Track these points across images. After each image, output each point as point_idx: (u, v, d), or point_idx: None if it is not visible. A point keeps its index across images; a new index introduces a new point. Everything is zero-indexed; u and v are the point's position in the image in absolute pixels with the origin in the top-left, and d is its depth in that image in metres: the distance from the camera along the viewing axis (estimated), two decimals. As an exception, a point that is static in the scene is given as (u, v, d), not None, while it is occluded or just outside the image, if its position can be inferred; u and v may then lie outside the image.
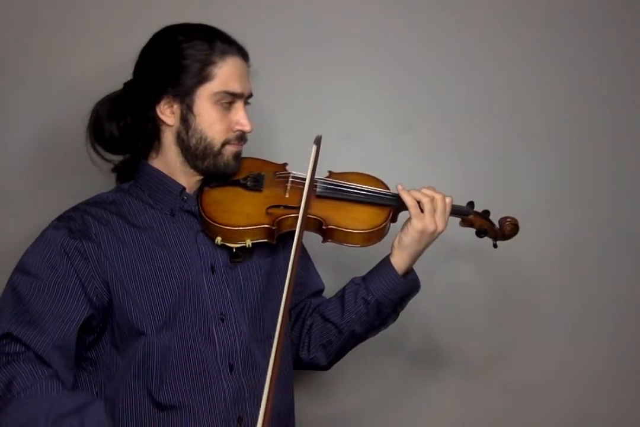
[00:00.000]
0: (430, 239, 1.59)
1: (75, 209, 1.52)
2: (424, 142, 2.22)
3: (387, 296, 1.61)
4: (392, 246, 1.62)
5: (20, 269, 1.42)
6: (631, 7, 2.27)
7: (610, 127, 2.28)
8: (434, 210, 1.57)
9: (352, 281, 1.67)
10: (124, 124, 1.58)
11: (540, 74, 2.24)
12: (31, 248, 1.46)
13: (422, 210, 1.57)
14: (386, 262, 1.62)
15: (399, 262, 1.61)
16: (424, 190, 1.59)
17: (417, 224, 1.56)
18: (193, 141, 1.52)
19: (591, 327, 2.28)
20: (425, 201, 1.56)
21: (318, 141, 1.66)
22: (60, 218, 1.50)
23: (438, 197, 1.58)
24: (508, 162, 2.25)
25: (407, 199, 1.57)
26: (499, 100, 2.24)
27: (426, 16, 2.21)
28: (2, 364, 1.28)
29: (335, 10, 2.17)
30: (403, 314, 1.71)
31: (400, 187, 1.60)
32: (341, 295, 1.67)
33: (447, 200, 1.59)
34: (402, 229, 1.61)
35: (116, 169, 1.64)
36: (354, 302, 1.63)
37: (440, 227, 1.57)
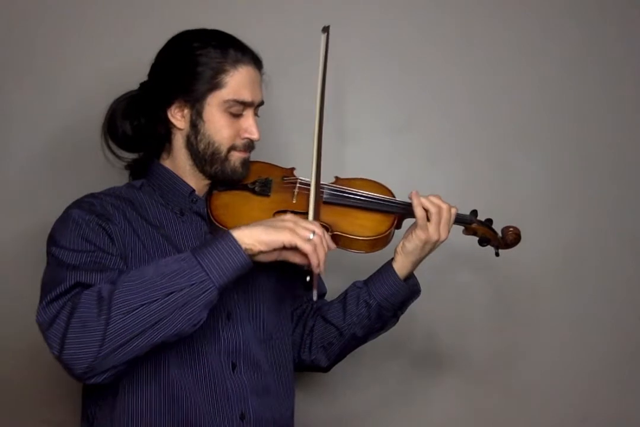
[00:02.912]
0: (432, 247, 1.62)
1: (92, 196, 1.54)
2: (424, 143, 2.24)
3: (388, 300, 1.64)
4: (395, 251, 1.65)
5: (57, 245, 1.43)
6: (632, 8, 2.28)
7: (610, 128, 2.29)
8: (439, 221, 1.60)
9: (354, 284, 1.70)
10: (137, 123, 1.61)
11: (540, 75, 2.26)
12: (59, 228, 1.46)
13: (428, 220, 1.59)
14: (388, 267, 1.65)
15: (400, 267, 1.64)
16: (432, 199, 1.61)
17: (421, 234, 1.59)
18: (201, 146, 1.54)
19: (591, 327, 2.29)
20: (433, 211, 1.58)
21: (326, 30, 1.68)
22: (80, 201, 1.51)
23: (444, 207, 1.60)
24: (508, 163, 2.26)
25: (417, 210, 1.59)
26: (499, 101, 2.25)
27: (426, 16, 2.22)
28: (79, 296, 1.31)
29: (336, 11, 2.18)
30: (405, 316, 1.73)
31: (414, 192, 1.61)
32: (343, 298, 1.70)
33: (453, 211, 1.61)
34: (406, 236, 1.63)
35: (129, 166, 1.67)
36: (356, 305, 1.66)
37: (442, 236, 1.60)
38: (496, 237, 1.70)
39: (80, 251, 1.40)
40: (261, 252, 1.34)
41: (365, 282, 1.68)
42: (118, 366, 1.30)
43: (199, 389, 1.46)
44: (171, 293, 1.28)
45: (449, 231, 1.62)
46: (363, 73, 2.20)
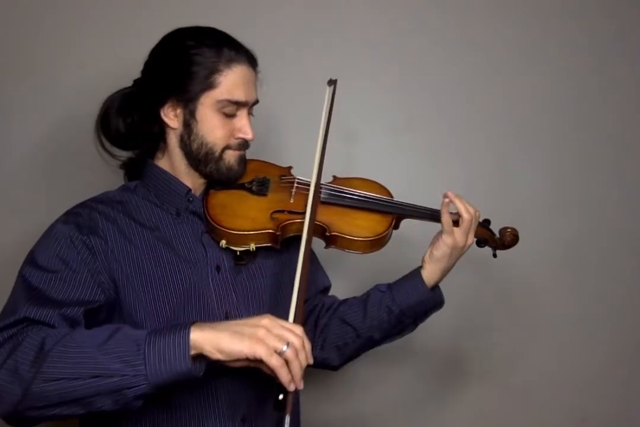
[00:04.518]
0: (460, 253, 1.60)
1: (82, 205, 1.52)
2: (424, 143, 2.25)
3: (412, 308, 1.62)
4: (423, 260, 1.63)
5: (31, 262, 1.40)
6: (632, 8, 2.28)
7: (610, 128, 2.29)
8: (469, 227, 1.58)
9: (377, 287, 1.68)
10: (130, 120, 1.59)
11: (540, 75, 2.26)
12: (40, 242, 1.45)
13: (456, 224, 1.58)
14: (416, 274, 1.63)
15: (429, 276, 1.61)
16: (467, 206, 1.58)
17: (448, 240, 1.57)
18: (195, 146, 1.52)
19: (591, 327, 2.30)
20: (466, 218, 1.57)
21: (332, 83, 1.66)
22: (67, 214, 1.49)
23: (472, 211, 1.59)
24: (508, 163, 2.27)
25: (445, 217, 1.57)
26: (498, 102, 2.26)
27: (426, 16, 2.23)
28: (25, 335, 1.28)
29: (337, 12, 2.18)
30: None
31: (448, 199, 1.58)
32: (364, 300, 1.67)
33: (477, 214, 1.60)
34: (433, 243, 1.61)
35: (124, 165, 1.65)
36: (378, 309, 1.63)
37: (469, 241, 1.59)
38: (494, 238, 1.69)
39: (49, 271, 1.38)
40: (221, 360, 1.22)
41: (390, 286, 1.66)
42: (40, 421, 1.26)
43: (199, 392, 1.45)
44: (98, 376, 1.20)
45: (473, 236, 1.61)
46: (363, 73, 2.20)
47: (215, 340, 1.21)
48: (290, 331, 1.24)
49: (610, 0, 2.27)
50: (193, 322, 1.25)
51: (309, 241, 1.45)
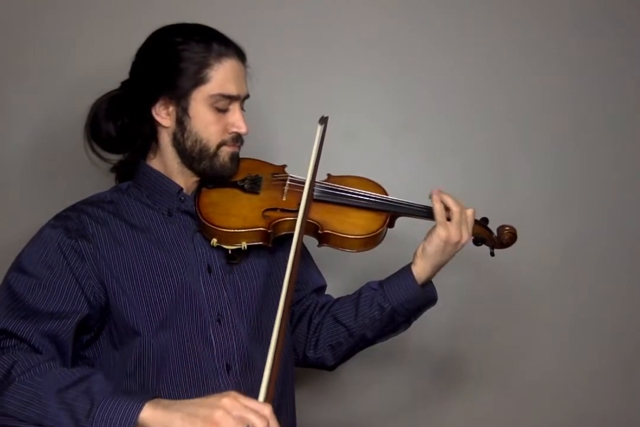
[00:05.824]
0: (454, 249, 1.57)
1: (72, 208, 1.52)
2: (424, 143, 2.24)
3: (403, 305, 1.60)
4: (415, 255, 1.61)
5: (17, 267, 1.41)
6: (632, 8, 2.27)
7: (610, 128, 2.29)
8: (460, 221, 1.56)
9: (369, 285, 1.66)
10: (121, 123, 1.59)
11: (540, 75, 2.26)
12: (28, 247, 1.45)
13: (448, 219, 1.56)
14: (407, 270, 1.61)
15: (420, 271, 1.59)
16: (452, 199, 1.58)
17: (441, 233, 1.54)
18: (189, 143, 1.52)
19: (591, 327, 2.29)
20: (455, 210, 1.56)
21: (324, 121, 1.65)
22: (57, 217, 1.50)
23: (466, 210, 1.58)
24: (507, 162, 2.26)
25: (437, 206, 1.56)
26: (498, 101, 2.25)
27: (426, 17, 2.23)
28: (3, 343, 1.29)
29: (335, 10, 2.18)
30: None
31: (436, 191, 1.58)
32: (356, 298, 1.66)
33: (469, 212, 1.59)
34: (426, 238, 1.59)
35: (115, 168, 1.65)
36: (369, 307, 1.62)
37: (464, 238, 1.56)
38: (491, 237, 1.66)
39: (34, 277, 1.39)
40: None
41: (381, 283, 1.64)
42: None
43: (192, 393, 1.43)
44: (41, 426, 1.18)
45: (470, 233, 1.58)
46: (363, 73, 2.20)
47: (165, 423, 1.13)
48: (254, 411, 1.13)
49: (610, 0, 2.27)
50: (152, 397, 1.19)
51: (297, 252, 1.41)
